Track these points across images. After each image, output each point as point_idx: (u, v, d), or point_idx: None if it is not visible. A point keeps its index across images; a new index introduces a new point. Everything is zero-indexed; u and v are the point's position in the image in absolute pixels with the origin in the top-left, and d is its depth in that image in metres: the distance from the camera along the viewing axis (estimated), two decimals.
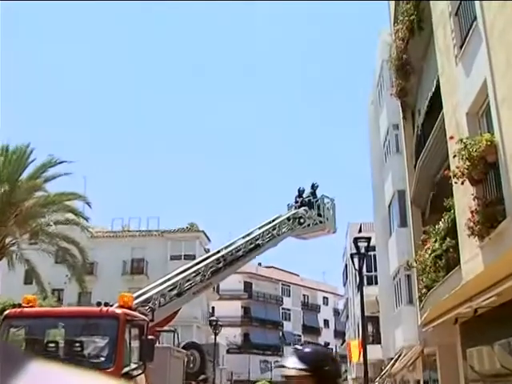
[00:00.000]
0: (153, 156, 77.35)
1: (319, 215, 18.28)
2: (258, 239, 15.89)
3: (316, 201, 18.48)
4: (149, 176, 75.10)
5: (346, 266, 39.34)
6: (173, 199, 77.47)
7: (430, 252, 11.11)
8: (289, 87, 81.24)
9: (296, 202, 18.66)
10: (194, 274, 13.70)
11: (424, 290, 11.98)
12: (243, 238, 15.71)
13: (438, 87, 11.43)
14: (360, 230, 31.32)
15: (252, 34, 79.07)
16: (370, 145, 26.17)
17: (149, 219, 37.35)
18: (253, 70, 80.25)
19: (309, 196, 18.71)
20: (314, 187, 19.19)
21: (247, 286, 55.35)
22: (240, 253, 15.27)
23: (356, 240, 14.39)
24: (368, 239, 14.37)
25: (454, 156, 8.28)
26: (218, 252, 14.96)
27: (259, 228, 16.25)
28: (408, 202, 16.65)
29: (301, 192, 19.04)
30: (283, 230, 16.86)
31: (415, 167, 14.93)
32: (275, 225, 16.57)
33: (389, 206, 20.10)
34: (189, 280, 13.55)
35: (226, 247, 15.11)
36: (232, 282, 50.67)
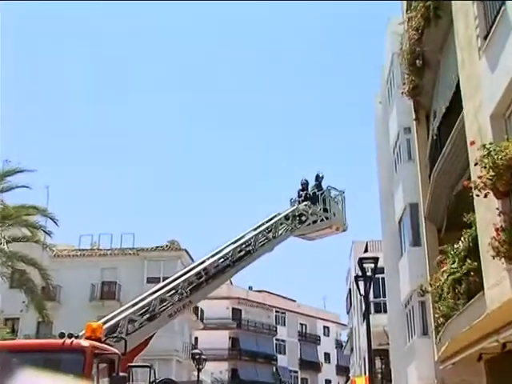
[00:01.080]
0: (127, 166, 77.70)
1: (325, 210, 18.10)
2: (249, 244, 15.69)
3: (321, 193, 18.23)
4: (122, 187, 75.39)
5: (350, 290, 39.29)
6: (151, 213, 77.63)
7: (447, 275, 11.07)
8: (282, 89, 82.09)
9: (299, 196, 18.50)
10: (169, 293, 13.52)
11: (441, 320, 11.92)
12: (232, 243, 15.49)
13: (457, 85, 11.45)
14: (366, 250, 31.40)
15: (253, 28, 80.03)
16: (376, 150, 26.33)
17: (122, 236, 37.25)
18: (243, 68, 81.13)
19: (313, 189, 18.52)
20: (318, 178, 18.99)
21: (236, 314, 55.16)
22: (226, 262, 15.05)
23: (361, 261, 14.41)
24: (375, 260, 14.40)
25: (476, 164, 8.33)
26: (202, 263, 14.73)
27: (253, 230, 16.06)
28: (422, 217, 16.71)
29: (304, 185, 18.89)
30: (280, 232, 16.72)
31: (430, 177, 15.11)
32: (271, 226, 16.42)
33: (399, 222, 20.06)
34: (163, 300, 13.37)
35: (210, 257, 14.85)
36: (219, 308, 50.60)
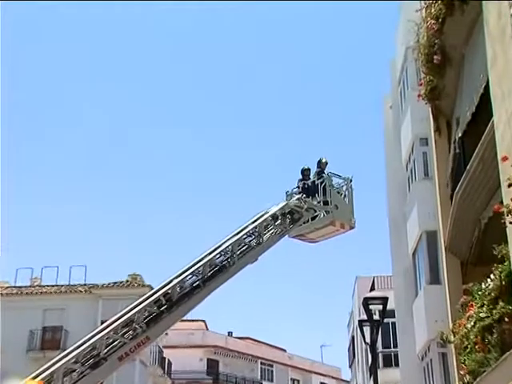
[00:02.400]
0: (75, 186, 77.33)
1: (326, 203, 17.78)
2: (224, 256, 15.38)
3: (321, 182, 17.98)
4: (72, 211, 74.73)
5: (353, 338, 39.32)
6: (107, 242, 77.01)
7: (474, 321, 11.05)
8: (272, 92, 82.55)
9: (298, 187, 18.33)
10: (120, 331, 13.29)
11: (468, 378, 11.87)
12: (201, 259, 15.06)
13: (486, 86, 11.49)
14: (372, 288, 31.52)
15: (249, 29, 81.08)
16: (385, 165, 26.56)
17: (72, 269, 36.84)
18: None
19: (314, 178, 18.24)
20: (320, 164, 18.57)
21: (212, 366, 54.67)
22: (195, 282, 14.72)
23: (367, 301, 14.43)
24: (384, 300, 14.44)
25: (510, 185, 8.50)
26: (163, 287, 14.33)
27: (232, 237, 15.70)
28: (441, 247, 16.84)
29: (305, 173, 18.54)
30: (266, 236, 16.46)
31: (451, 199, 15.16)
32: (253, 230, 16.19)
33: (413, 254, 20.14)
34: (112, 341, 13.16)
35: (174, 278, 14.43)
36: (190, 359, 50.24)
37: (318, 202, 17.79)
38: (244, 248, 15.90)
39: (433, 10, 13.98)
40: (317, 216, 17.81)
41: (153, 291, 14.67)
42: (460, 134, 14.50)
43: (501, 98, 10.34)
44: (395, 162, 23.54)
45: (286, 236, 17.55)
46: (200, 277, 14.77)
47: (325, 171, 18.41)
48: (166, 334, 39.59)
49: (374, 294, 19.09)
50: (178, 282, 14.31)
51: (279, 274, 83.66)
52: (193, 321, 50.47)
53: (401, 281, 22.99)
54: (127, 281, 36.18)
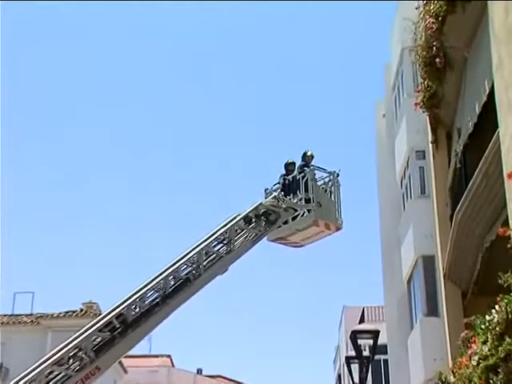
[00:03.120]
0: (22, 206, 76.44)
1: (308, 201, 17.81)
2: (190, 270, 15.27)
3: (303, 177, 17.95)
4: (18, 231, 73.55)
5: (340, 377, 39.28)
6: (59, 266, 75.95)
7: (477, 360, 10.96)
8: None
9: (278, 183, 18.40)
10: (66, 362, 13.09)
11: None
12: (163, 272, 14.89)
13: (491, 93, 11.55)
14: (362, 319, 32.10)
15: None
16: (377, 181, 26.73)
17: (16, 296, 36.19)
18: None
19: (297, 173, 18.22)
20: (305, 158, 18.59)
21: None
22: (155, 299, 14.57)
23: (355, 335, 14.38)
24: (375, 334, 14.42)
25: None
26: (116, 308, 14.09)
27: (196, 247, 15.61)
28: (440, 275, 16.93)
29: (289, 169, 18.57)
30: (238, 242, 16.45)
31: (451, 220, 15.26)
32: (222, 235, 16.20)
33: (408, 281, 20.27)
34: (55, 375, 12.96)
35: (129, 297, 14.18)
36: None
37: (300, 200, 17.80)
38: (212, 257, 15.87)
39: (432, 8, 14.11)
40: (298, 216, 17.83)
41: (104, 313, 14.41)
42: (461, 147, 14.58)
43: (507, 106, 10.41)
44: (388, 177, 23.79)
45: (266, 241, 17.69)
46: (160, 293, 14.62)
47: (310, 166, 18.42)
48: (126, 372, 39.33)
49: (363, 326, 19.13)
50: (133, 301, 14.12)
51: (256, 303, 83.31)
52: (157, 356, 49.99)
53: (394, 312, 23.02)
54: (81, 310, 35.60)
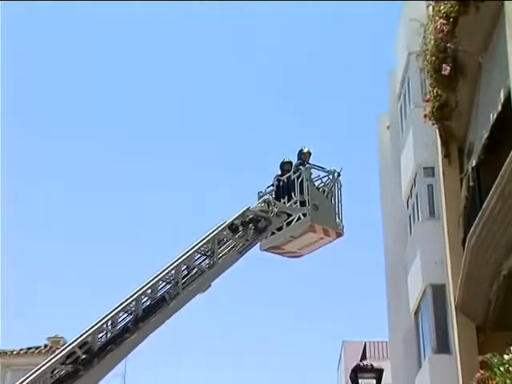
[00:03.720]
0: None
1: (303, 204, 17.47)
2: (166, 286, 15.00)
3: (298, 177, 17.57)
4: None
5: None
6: (21, 297, 75.04)
7: None
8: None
9: (272, 185, 18.21)
10: None
11: None
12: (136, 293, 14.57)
13: (507, 102, 11.67)
14: (364, 356, 31.17)
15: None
16: (381, 200, 26.65)
17: None
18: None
19: (293, 171, 17.93)
20: (301, 156, 18.23)
21: None
22: (126, 324, 14.19)
23: (356, 374, 14.27)
24: (378, 373, 14.29)
25: None
26: (81, 336, 13.57)
27: (174, 262, 15.33)
28: (451, 306, 16.86)
29: (285, 169, 18.32)
30: (222, 254, 16.19)
31: (464, 245, 15.29)
32: (204, 248, 15.93)
33: (416, 313, 20.09)
34: None
35: (96, 323, 13.76)
36: None
37: (295, 203, 17.49)
38: (193, 272, 15.59)
39: (443, 8, 14.16)
40: (292, 220, 17.52)
41: (68, 343, 13.93)
42: (475, 163, 14.63)
43: None
44: (393, 196, 23.70)
45: (258, 251, 17.58)
46: (132, 316, 14.24)
47: (306, 164, 18.12)
48: None
49: (365, 364, 18.82)
50: (101, 327, 13.69)
51: (242, 339, 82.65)
52: None
53: (399, 348, 22.83)
54: (46, 345, 35.13)
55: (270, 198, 17.52)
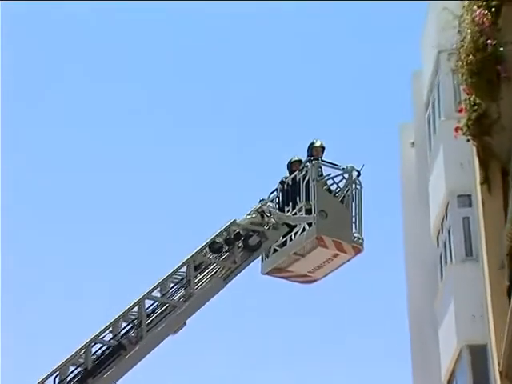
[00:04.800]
0: None
1: (309, 211, 17.00)
2: (128, 331, 14.81)
3: (304, 177, 17.07)
4: None
5: None
6: None
7: None
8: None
9: (276, 190, 17.68)
10: None
11: None
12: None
13: None
14: None
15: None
16: (404, 234, 26.23)
17: None
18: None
19: (300, 170, 17.40)
20: (312, 151, 17.68)
21: None
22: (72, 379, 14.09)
23: None
24: None
25: None
26: None
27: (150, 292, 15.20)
28: (494, 372, 16.86)
29: (293, 170, 17.75)
30: (201, 283, 15.92)
31: (509, 295, 15.94)
32: (178, 275, 15.70)
33: (449, 381, 20.08)
34: None
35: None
36: None
37: (300, 211, 16.98)
38: (162, 309, 15.28)
39: None
40: (297, 231, 16.99)
41: None
42: None
43: None
44: (419, 231, 23.72)
45: (260, 275, 17.19)
46: (82, 370, 14.14)
47: (319, 160, 17.56)
48: None
49: None
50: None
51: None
52: None
53: None
54: None
55: (265, 206, 16.95)
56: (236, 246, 16.28)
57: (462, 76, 16.29)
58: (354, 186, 17.25)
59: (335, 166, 17.38)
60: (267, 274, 17.36)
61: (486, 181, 17.27)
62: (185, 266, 15.62)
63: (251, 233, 16.56)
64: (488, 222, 17.23)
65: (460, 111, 17.22)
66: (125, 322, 14.86)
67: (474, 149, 17.29)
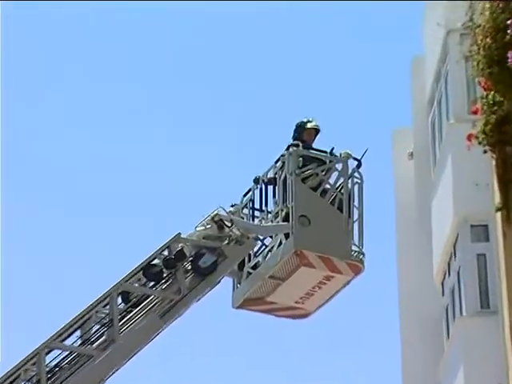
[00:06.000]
0: None
1: (287, 218, 16.29)
2: None
3: (281, 167, 16.56)
4: None
5: None
6: None
7: None
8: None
9: (250, 190, 17.25)
10: None
11: None
12: None
13: None
14: None
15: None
16: (397, 273, 26.27)
17: None
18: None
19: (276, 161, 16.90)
20: (300, 133, 17.13)
21: None
22: None
23: None
24: None
25: None
26: None
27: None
28: None
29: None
30: (130, 323, 15.35)
31: None
32: (98, 312, 15.14)
33: None
34: None
35: None
36: None
37: (275, 217, 16.45)
38: (68, 360, 14.89)
39: None
40: (273, 247, 16.48)
41: None
42: None
43: None
44: (417, 272, 23.83)
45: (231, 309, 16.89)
46: None
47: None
48: None
49: None
50: None
51: None
52: None
53: None
54: None
55: (224, 213, 16.21)
56: (181, 270, 15.49)
57: (478, 65, 16.22)
58: (350, 180, 16.53)
59: (323, 153, 16.67)
60: (240, 307, 16.64)
61: (506, 205, 17.16)
62: (108, 299, 14.92)
63: (204, 250, 15.82)
64: (509, 263, 17.18)
65: (475, 112, 17.00)
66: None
67: (493, 163, 17.25)
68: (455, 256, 20.36)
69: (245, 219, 16.96)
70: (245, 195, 17.16)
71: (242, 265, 16.59)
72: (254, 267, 16.55)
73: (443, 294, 21.19)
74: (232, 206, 16.83)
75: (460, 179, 19.95)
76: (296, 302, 16.85)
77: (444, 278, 21.18)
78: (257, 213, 17.05)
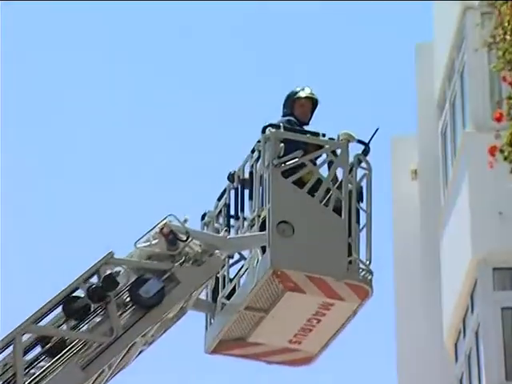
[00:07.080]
0: None
1: (263, 227, 15.26)
2: None
3: (255, 171, 15.70)
4: None
5: None
6: None
7: None
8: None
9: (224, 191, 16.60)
10: None
11: None
12: None
13: None
14: None
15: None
16: (395, 336, 27.00)
17: None
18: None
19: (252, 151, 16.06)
20: (289, 106, 16.33)
21: None
22: None
23: None
24: None
25: None
26: None
27: None
28: None
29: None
30: (48, 375, 14.28)
31: None
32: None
33: None
34: None
35: None
36: None
37: (251, 225, 15.51)
38: None
39: None
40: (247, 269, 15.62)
41: None
42: None
43: None
44: (423, 329, 24.16)
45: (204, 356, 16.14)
46: None
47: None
48: None
49: None
50: None
51: None
52: None
53: None
54: None
55: (176, 222, 15.10)
56: (113, 303, 14.44)
57: (504, 55, 16.00)
58: (353, 170, 15.30)
59: (314, 135, 15.57)
60: (215, 353, 15.83)
61: None
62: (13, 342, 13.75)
63: (148, 275, 14.87)
64: None
65: (499, 118, 16.52)
66: None
67: None
68: (472, 310, 20.68)
69: (220, 231, 15.79)
70: (219, 199, 16.16)
71: (216, 293, 15.61)
72: (230, 296, 15.58)
73: (456, 361, 21.66)
74: (203, 215, 16.24)
75: (480, 206, 20.44)
76: (290, 342, 15.79)
77: (458, 339, 21.63)
78: (233, 221, 16.02)
